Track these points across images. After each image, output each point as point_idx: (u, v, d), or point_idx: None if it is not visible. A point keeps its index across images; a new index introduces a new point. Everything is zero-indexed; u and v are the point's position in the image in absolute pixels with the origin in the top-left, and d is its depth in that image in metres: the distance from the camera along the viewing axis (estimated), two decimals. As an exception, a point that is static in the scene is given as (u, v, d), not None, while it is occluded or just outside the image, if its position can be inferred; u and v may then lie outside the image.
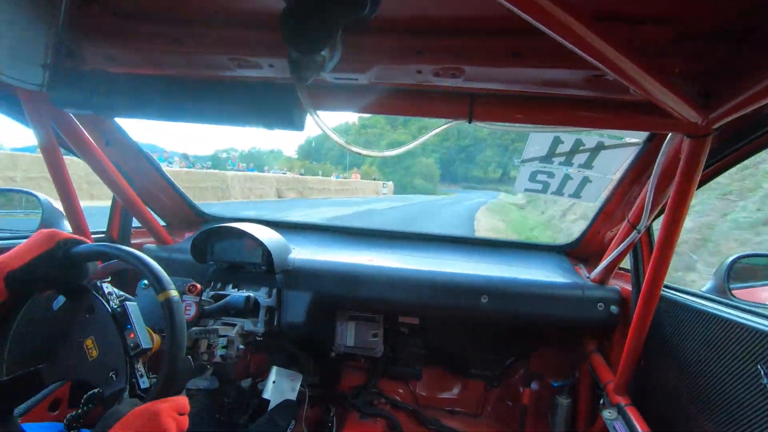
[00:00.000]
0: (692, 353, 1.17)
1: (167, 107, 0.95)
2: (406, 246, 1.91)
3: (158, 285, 0.79)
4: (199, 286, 1.39)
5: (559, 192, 1.33)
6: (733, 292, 1.21)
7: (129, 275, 1.64)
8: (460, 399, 1.98)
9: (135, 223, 1.71)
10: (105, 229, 1.66)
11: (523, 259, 1.79)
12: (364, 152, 1.00)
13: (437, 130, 1.02)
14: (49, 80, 0.91)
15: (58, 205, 1.45)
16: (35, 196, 1.58)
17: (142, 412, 0.69)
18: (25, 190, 1.64)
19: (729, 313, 1.06)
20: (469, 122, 0.93)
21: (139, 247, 1.75)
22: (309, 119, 0.94)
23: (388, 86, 0.93)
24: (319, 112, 0.91)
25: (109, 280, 0.90)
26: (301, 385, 1.71)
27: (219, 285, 1.58)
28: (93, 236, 1.49)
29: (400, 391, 1.98)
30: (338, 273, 1.56)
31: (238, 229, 1.49)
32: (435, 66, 0.80)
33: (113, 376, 0.80)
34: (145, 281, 1.09)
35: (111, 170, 1.39)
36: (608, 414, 1.28)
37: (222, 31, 0.81)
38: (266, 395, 1.61)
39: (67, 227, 1.49)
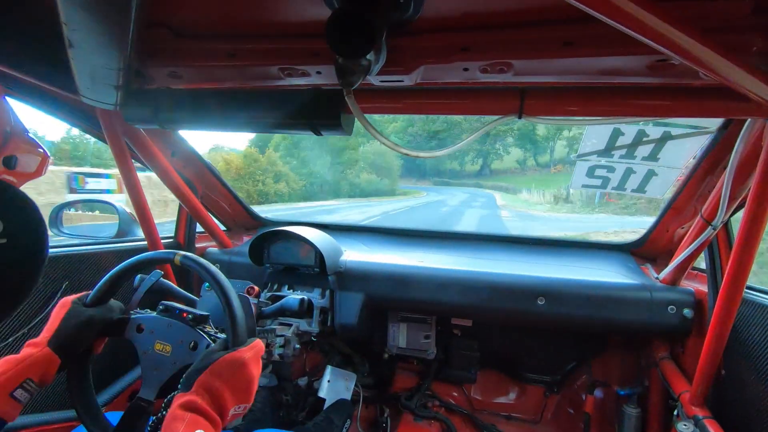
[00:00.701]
0: None
1: (224, 118, 1.01)
2: (457, 246, 1.88)
3: (163, 258, 0.89)
4: (257, 288, 1.45)
5: (620, 187, 1.25)
6: (833, 294, 1.06)
7: (194, 280, 1.76)
8: (517, 404, 1.92)
9: (199, 228, 1.83)
10: (172, 235, 1.79)
11: (582, 259, 1.70)
12: (413, 153, 1.00)
13: (485, 129, 1.00)
14: (121, 100, 1.00)
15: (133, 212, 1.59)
16: (113, 205, 1.74)
17: (230, 360, 0.75)
18: (104, 200, 1.81)
19: None
20: (519, 117, 0.90)
21: (202, 250, 1.87)
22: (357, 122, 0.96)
23: (434, 86, 0.92)
24: (365, 116, 0.92)
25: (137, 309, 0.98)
26: (355, 385, 1.74)
27: (275, 286, 1.65)
28: (162, 241, 1.61)
29: (454, 394, 1.95)
30: (389, 274, 1.58)
31: (292, 233, 1.55)
32: (482, 62, 0.78)
33: (194, 347, 0.88)
34: (207, 284, 1.16)
35: (176, 179, 1.50)
36: (684, 427, 1.18)
37: (272, 43, 0.84)
38: (321, 394, 1.66)
39: (139, 233, 1.62)
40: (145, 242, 1.57)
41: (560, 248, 1.82)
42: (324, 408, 1.63)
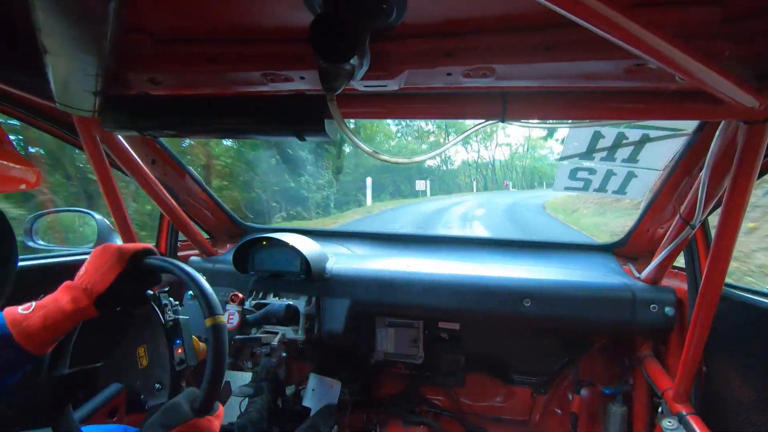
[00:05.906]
0: (761, 358, 1.07)
1: (205, 125, 1.00)
2: (444, 250, 1.89)
3: (208, 310, 0.80)
4: (241, 295, 1.43)
5: (602, 189, 1.27)
6: (806, 289, 1.10)
7: (177, 284, 1.72)
8: (505, 406, 1.93)
9: (181, 236, 1.80)
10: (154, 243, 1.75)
11: (566, 260, 1.72)
12: (393, 159, 0.99)
13: (470, 131, 1.00)
14: (99, 106, 0.97)
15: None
16: (91, 214, 1.69)
17: (196, 427, 0.72)
18: (81, 209, 1.76)
19: None
20: (503, 121, 0.90)
21: (185, 258, 1.83)
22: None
23: (417, 91, 0.92)
24: (345, 121, 0.91)
25: (167, 290, 0.92)
26: (342, 392, 1.72)
27: (260, 294, 1.63)
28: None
29: (443, 398, 1.94)
30: (375, 279, 1.57)
31: (277, 239, 1.54)
32: (465, 67, 0.79)
33: (158, 387, 0.83)
34: (191, 293, 1.14)
35: (157, 187, 1.47)
36: (668, 423, 1.20)
37: (254, 48, 0.83)
38: (306, 402, 1.63)
39: (119, 242, 1.58)
40: None
41: (545, 250, 1.85)
42: (310, 416, 1.61)
